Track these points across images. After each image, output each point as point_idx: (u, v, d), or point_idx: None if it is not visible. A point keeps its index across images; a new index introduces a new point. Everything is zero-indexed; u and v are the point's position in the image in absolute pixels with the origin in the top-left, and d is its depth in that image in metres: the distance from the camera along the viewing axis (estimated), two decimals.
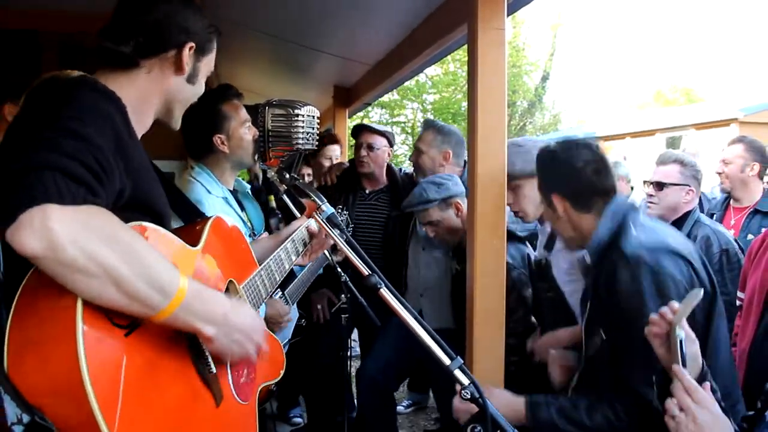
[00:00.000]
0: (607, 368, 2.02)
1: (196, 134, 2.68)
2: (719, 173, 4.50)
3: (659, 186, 3.66)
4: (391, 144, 4.28)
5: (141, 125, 1.56)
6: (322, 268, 3.32)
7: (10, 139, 1.27)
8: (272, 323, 2.70)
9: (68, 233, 1.09)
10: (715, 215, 4.53)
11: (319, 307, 3.97)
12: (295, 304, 3.05)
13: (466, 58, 3.10)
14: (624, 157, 11.84)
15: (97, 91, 1.41)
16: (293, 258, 2.13)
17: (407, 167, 5.12)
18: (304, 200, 2.23)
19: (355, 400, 4.15)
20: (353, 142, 4.38)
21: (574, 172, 2.16)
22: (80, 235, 1.11)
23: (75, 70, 1.81)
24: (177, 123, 1.69)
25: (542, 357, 2.85)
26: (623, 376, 1.92)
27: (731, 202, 4.55)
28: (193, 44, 1.59)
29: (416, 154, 3.91)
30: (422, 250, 3.75)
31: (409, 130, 22.65)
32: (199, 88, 1.69)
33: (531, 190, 2.90)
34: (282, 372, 1.90)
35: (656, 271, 1.92)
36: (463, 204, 3.39)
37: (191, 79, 1.64)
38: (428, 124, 4.10)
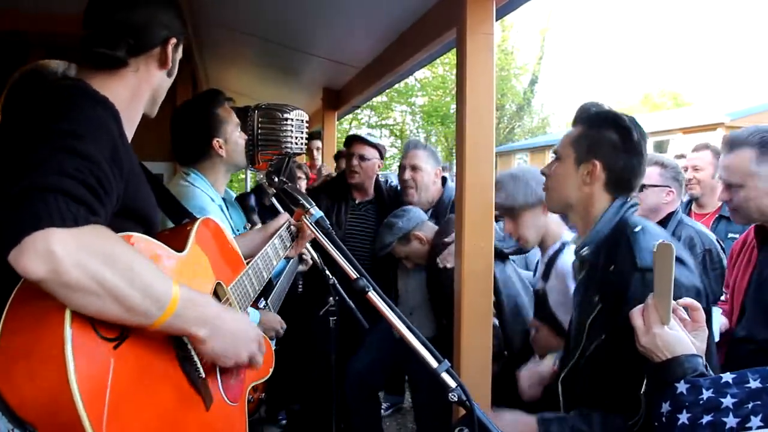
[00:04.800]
0: (611, 369, 1.98)
1: (194, 139, 2.69)
2: (689, 179, 4.53)
3: (640, 187, 3.69)
4: (381, 156, 4.30)
5: (131, 123, 1.58)
6: (294, 274, 3.32)
7: (7, 156, 1.26)
8: (265, 330, 2.71)
9: (71, 256, 1.11)
10: None
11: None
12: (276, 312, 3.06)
13: (455, 62, 3.11)
14: None
15: (92, 98, 1.42)
16: (281, 254, 2.13)
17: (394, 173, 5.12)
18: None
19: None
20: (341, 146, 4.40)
21: (636, 156, 2.08)
22: (82, 257, 1.12)
23: (58, 60, 1.83)
24: (155, 111, 1.72)
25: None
26: (635, 383, 1.89)
27: (693, 207, 4.64)
28: (175, 39, 1.63)
29: (412, 171, 3.91)
30: (409, 270, 3.83)
31: (398, 133, 22.70)
32: (172, 79, 1.72)
33: (532, 218, 2.92)
34: (271, 370, 1.89)
35: None
36: (424, 231, 3.61)
37: (171, 72, 1.68)
38: (416, 144, 4.14)
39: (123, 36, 1.53)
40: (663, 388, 1.57)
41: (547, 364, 2.52)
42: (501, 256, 3.39)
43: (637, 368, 1.82)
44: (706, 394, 1.49)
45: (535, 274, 3.27)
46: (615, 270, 1.98)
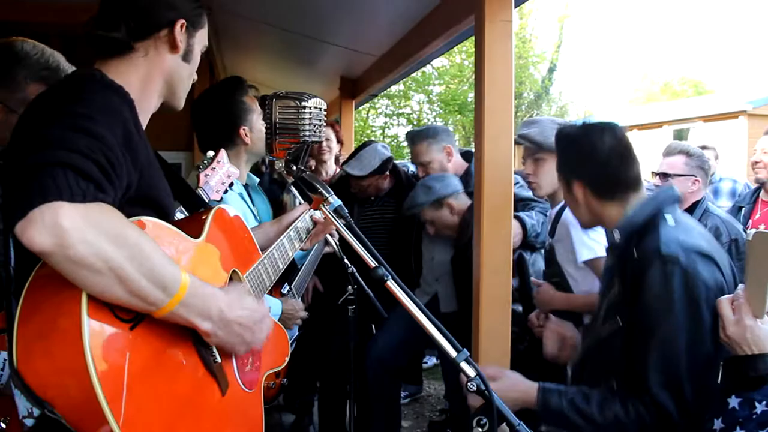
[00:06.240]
0: (618, 356, 1.97)
1: (220, 127, 2.70)
2: (756, 162, 4.43)
3: (665, 177, 3.67)
4: (386, 169, 4.07)
5: (146, 111, 1.57)
6: (320, 257, 3.31)
7: (21, 135, 1.29)
8: (288, 318, 2.72)
9: (78, 231, 1.10)
10: (744, 208, 4.47)
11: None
12: (299, 297, 3.06)
13: (473, 50, 3.09)
14: None
15: (107, 86, 1.43)
16: (296, 245, 2.12)
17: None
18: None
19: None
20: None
21: (597, 159, 2.08)
22: (89, 233, 1.12)
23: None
24: (181, 103, 1.69)
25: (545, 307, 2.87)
26: (639, 374, 1.86)
27: (761, 194, 4.49)
28: (183, 21, 1.58)
29: (422, 168, 3.87)
30: (435, 238, 3.81)
31: (415, 122, 22.64)
32: (195, 65, 1.69)
33: (552, 169, 2.93)
34: (287, 359, 1.90)
35: (690, 275, 1.84)
36: (457, 201, 3.58)
37: (186, 57, 1.63)
38: (413, 138, 4.00)
39: (123, 18, 1.51)
40: (742, 383, 1.51)
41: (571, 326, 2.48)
42: (531, 248, 3.40)
43: (650, 358, 1.82)
44: (759, 407, 1.44)
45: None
46: (638, 255, 1.97)
